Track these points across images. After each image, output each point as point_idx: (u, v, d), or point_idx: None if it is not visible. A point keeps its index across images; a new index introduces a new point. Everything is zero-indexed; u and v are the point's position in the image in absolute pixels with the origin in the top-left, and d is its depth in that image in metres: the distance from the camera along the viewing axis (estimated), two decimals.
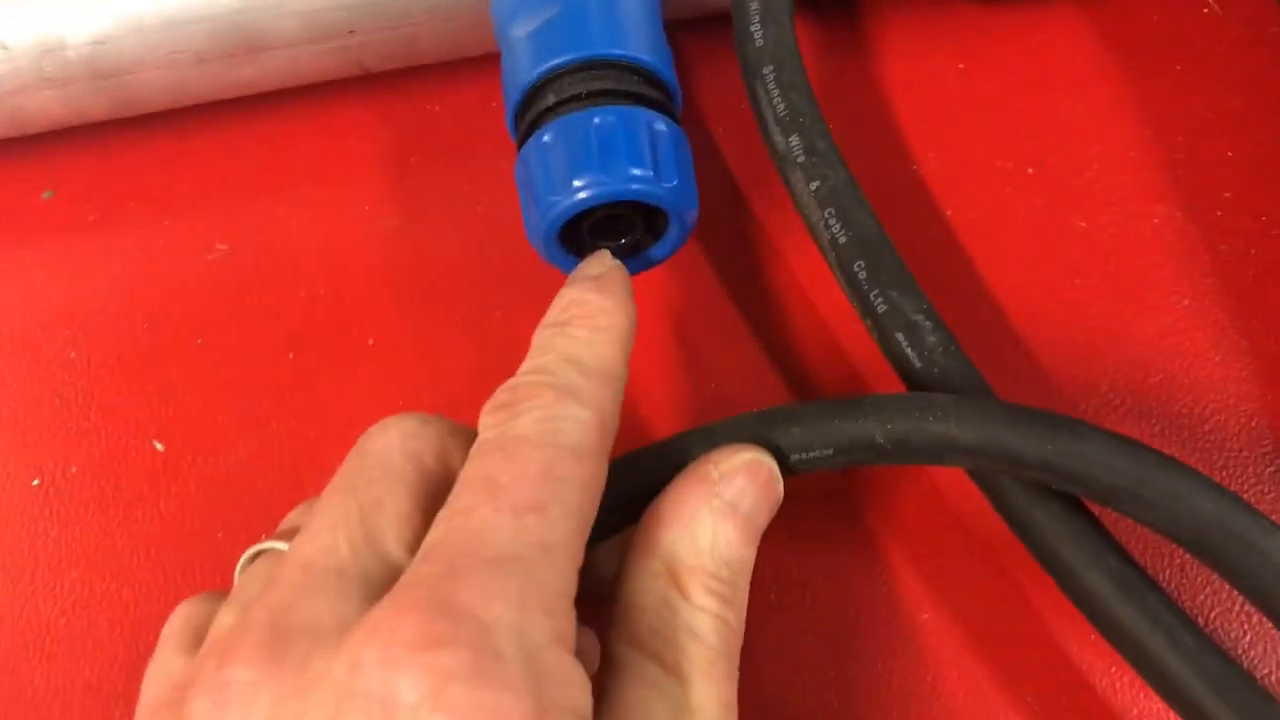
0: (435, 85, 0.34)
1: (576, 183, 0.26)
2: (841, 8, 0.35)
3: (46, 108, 0.32)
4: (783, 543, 0.28)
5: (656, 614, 0.21)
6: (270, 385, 0.31)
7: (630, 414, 0.29)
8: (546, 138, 0.26)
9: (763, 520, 0.24)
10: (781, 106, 0.30)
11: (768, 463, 0.24)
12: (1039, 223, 0.32)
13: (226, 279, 0.33)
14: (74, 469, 0.31)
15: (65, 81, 0.31)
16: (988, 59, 0.34)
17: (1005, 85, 0.34)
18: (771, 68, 0.30)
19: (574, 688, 0.18)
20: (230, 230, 0.33)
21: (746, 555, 0.23)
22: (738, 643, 0.22)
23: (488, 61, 0.33)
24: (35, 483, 0.31)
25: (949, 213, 0.32)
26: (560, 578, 0.19)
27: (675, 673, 0.21)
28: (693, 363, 0.31)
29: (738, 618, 0.22)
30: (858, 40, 0.35)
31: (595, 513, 0.21)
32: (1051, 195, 0.32)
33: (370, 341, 0.32)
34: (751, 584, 0.23)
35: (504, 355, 0.31)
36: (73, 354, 0.32)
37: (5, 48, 0.30)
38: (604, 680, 0.21)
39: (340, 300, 0.32)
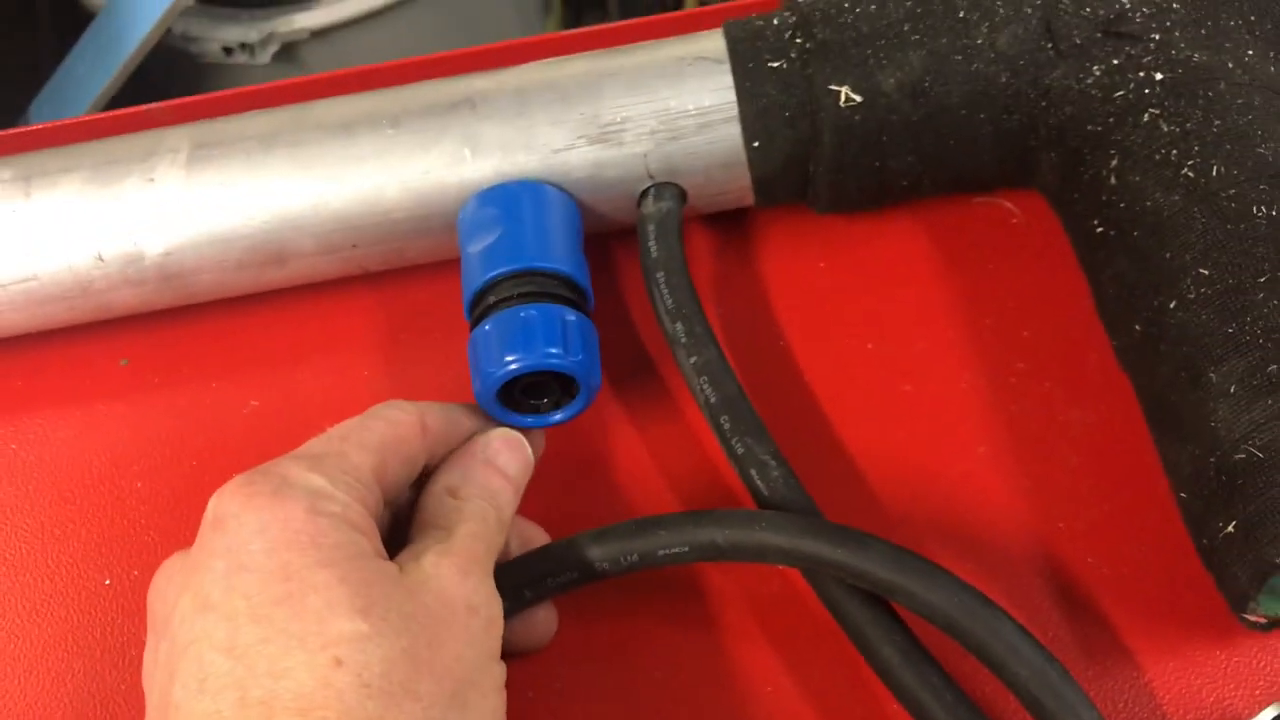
0: (420, 279, 0.45)
1: (508, 358, 0.36)
2: (733, 218, 0.46)
3: (126, 300, 0.43)
4: (657, 625, 0.37)
5: (437, 509, 0.34)
6: None
7: (549, 520, 0.39)
8: (487, 327, 0.37)
9: (514, 472, 0.36)
10: (670, 301, 0.40)
11: (518, 435, 0.37)
12: (875, 385, 0.42)
13: (258, 428, 0.43)
14: (136, 573, 0.41)
15: (141, 282, 0.42)
16: (843, 258, 0.44)
17: (856, 279, 0.44)
18: (662, 274, 0.40)
19: (335, 503, 0.31)
20: (260, 390, 0.44)
21: (503, 488, 0.35)
22: (499, 535, 0.34)
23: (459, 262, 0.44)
24: (107, 582, 0.41)
25: (807, 376, 0.42)
26: (347, 468, 0.32)
27: (447, 530, 0.33)
28: (604, 482, 0.41)
29: (497, 517, 0.34)
30: (744, 242, 0.45)
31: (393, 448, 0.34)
32: (886, 365, 0.42)
33: None
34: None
35: None
36: (139, 484, 0.43)
37: (101, 259, 0.41)
38: (400, 551, 0.33)
39: None
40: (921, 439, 0.41)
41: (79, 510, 0.42)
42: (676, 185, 0.42)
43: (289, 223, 0.41)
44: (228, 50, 1.06)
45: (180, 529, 0.41)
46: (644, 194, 0.42)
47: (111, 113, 0.52)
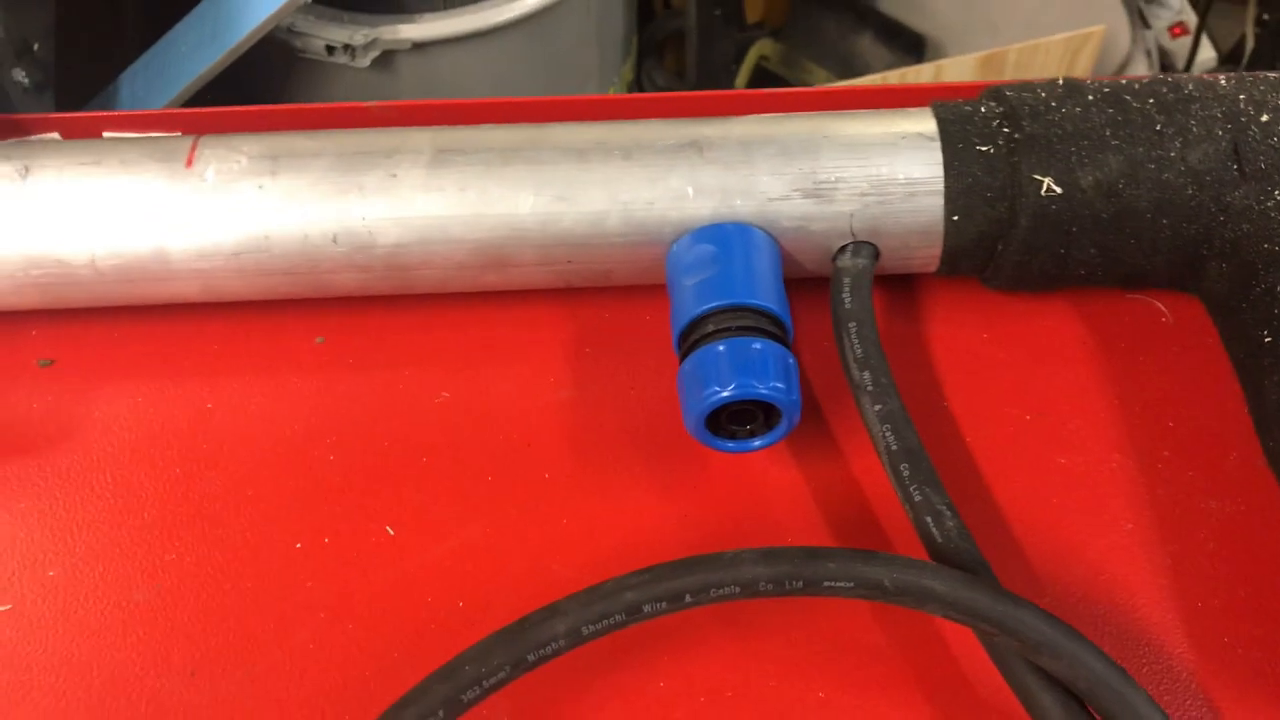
0: (613, 298, 0.48)
1: (747, 381, 0.39)
2: (902, 281, 0.49)
3: (345, 283, 0.45)
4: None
5: None
6: (473, 497, 0.44)
7: (716, 537, 0.41)
8: (721, 348, 0.40)
9: None
10: (859, 350, 0.43)
11: None
12: (1032, 456, 0.45)
13: (448, 418, 0.46)
14: (326, 539, 0.43)
15: (366, 268, 0.44)
16: (1005, 332, 0.48)
17: (1015, 352, 0.47)
18: (854, 324, 0.43)
19: None
20: (453, 383, 0.46)
21: None
22: None
23: (654, 290, 0.47)
24: (298, 545, 0.43)
25: (968, 439, 0.45)
26: None
27: None
28: (768, 510, 0.44)
29: None
30: (911, 305, 0.49)
31: None
32: (1043, 437, 0.45)
33: (546, 476, 0.44)
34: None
35: (642, 496, 0.44)
36: (331, 457, 0.45)
37: (335, 241, 0.44)
38: None
39: (527, 444, 0.45)
40: (1073, 510, 0.44)
41: (272, 474, 0.45)
42: (873, 245, 0.45)
43: (517, 233, 0.44)
44: (330, 49, 1.09)
45: (372, 504, 0.44)
46: (842, 249, 0.45)
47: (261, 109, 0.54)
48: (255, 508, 0.44)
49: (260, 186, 0.43)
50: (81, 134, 0.49)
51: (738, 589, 0.37)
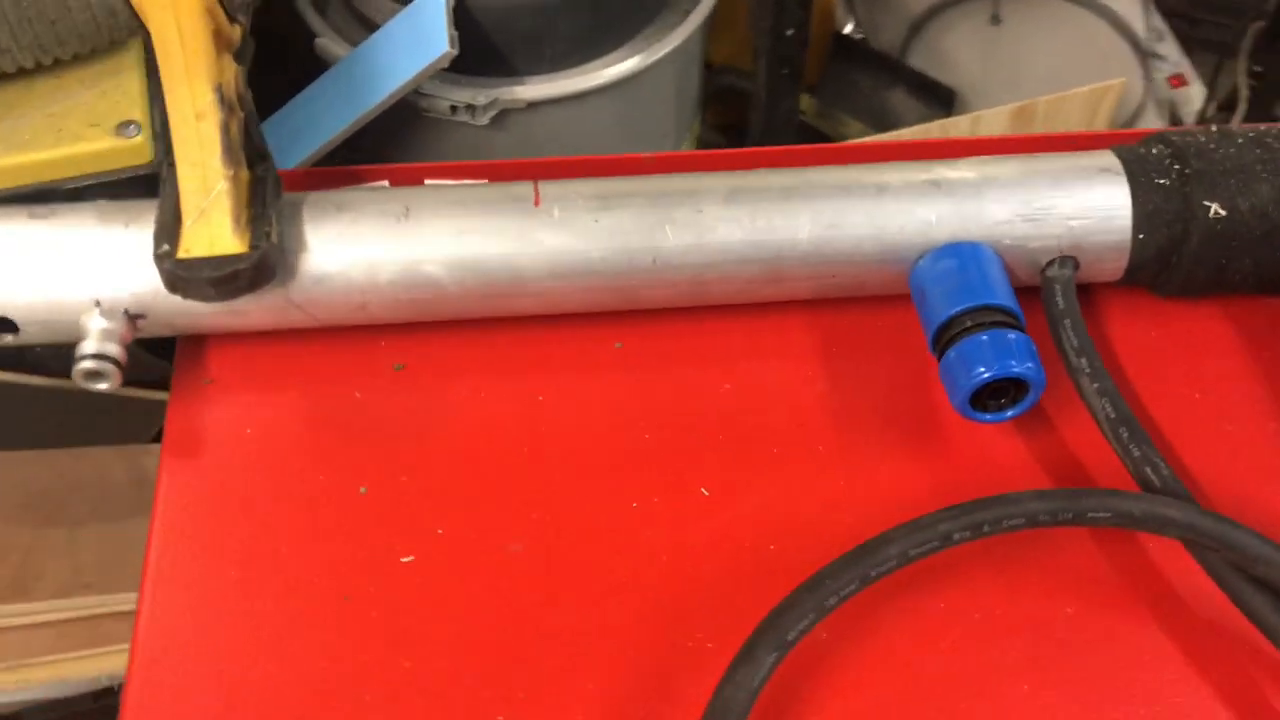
0: (859, 306, 0.59)
1: (1008, 361, 0.50)
2: (1084, 292, 0.60)
3: (654, 296, 0.56)
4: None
5: None
6: (764, 465, 0.55)
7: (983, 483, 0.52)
8: (984, 338, 0.51)
9: None
10: (1075, 341, 0.54)
11: None
12: (1204, 425, 0.56)
13: (731, 404, 0.56)
14: (655, 499, 0.53)
15: (674, 284, 0.55)
16: (1171, 329, 0.59)
17: (1182, 345, 0.59)
18: (1068, 320, 0.55)
19: None
20: (732, 377, 0.57)
21: None
22: None
23: (890, 300, 0.58)
24: (634, 505, 0.53)
25: (1151, 412, 0.57)
26: None
27: None
28: (1014, 480, 0.55)
29: None
30: (1097, 311, 0.60)
31: None
32: (1211, 411, 0.57)
33: (820, 449, 0.55)
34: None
35: (898, 464, 0.55)
36: (646, 436, 0.55)
37: (654, 262, 0.54)
38: None
39: (800, 424, 0.56)
40: (1242, 466, 0.55)
41: (600, 451, 0.55)
42: (1075, 258, 0.56)
43: (796, 254, 0.55)
44: (454, 109, 1.20)
45: (687, 472, 0.54)
46: (1050, 262, 0.56)
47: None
48: (592, 477, 0.54)
49: (596, 220, 0.54)
50: (404, 182, 0.60)
51: (1022, 520, 0.48)
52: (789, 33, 1.32)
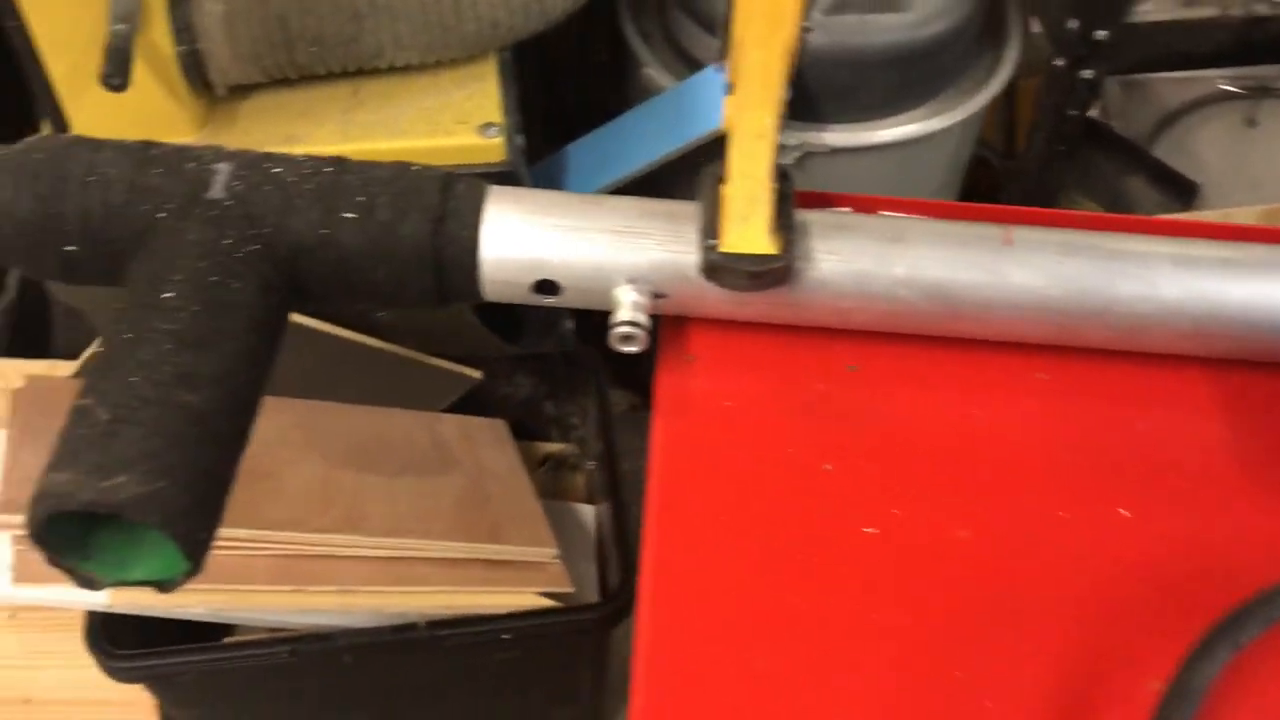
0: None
1: None
2: None
3: (1093, 338, 0.64)
4: None
5: None
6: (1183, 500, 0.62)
7: None
8: None
9: None
10: None
11: None
12: None
13: (1142, 442, 0.64)
14: (1061, 513, 0.61)
15: (1127, 333, 0.64)
16: None
17: None
18: None
19: None
20: (1149, 418, 0.65)
21: None
22: None
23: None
24: (1061, 514, 0.61)
25: None
26: None
27: None
28: None
29: None
30: None
31: None
32: None
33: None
34: None
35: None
36: (1069, 457, 0.64)
37: (1104, 319, 0.63)
38: None
39: (1196, 465, 0.63)
40: None
41: (1021, 464, 0.63)
42: None
43: (1223, 316, 0.63)
44: None
45: (1104, 489, 0.62)
46: None
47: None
48: (1022, 483, 0.63)
49: (1060, 264, 0.63)
50: (861, 209, 0.70)
51: None
52: (1072, 113, 1.40)
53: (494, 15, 1.19)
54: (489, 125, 1.20)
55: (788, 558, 0.59)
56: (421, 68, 1.22)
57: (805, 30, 0.64)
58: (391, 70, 1.21)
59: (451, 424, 1.32)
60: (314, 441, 1.19)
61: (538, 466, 1.43)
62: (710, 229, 0.61)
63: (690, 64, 1.37)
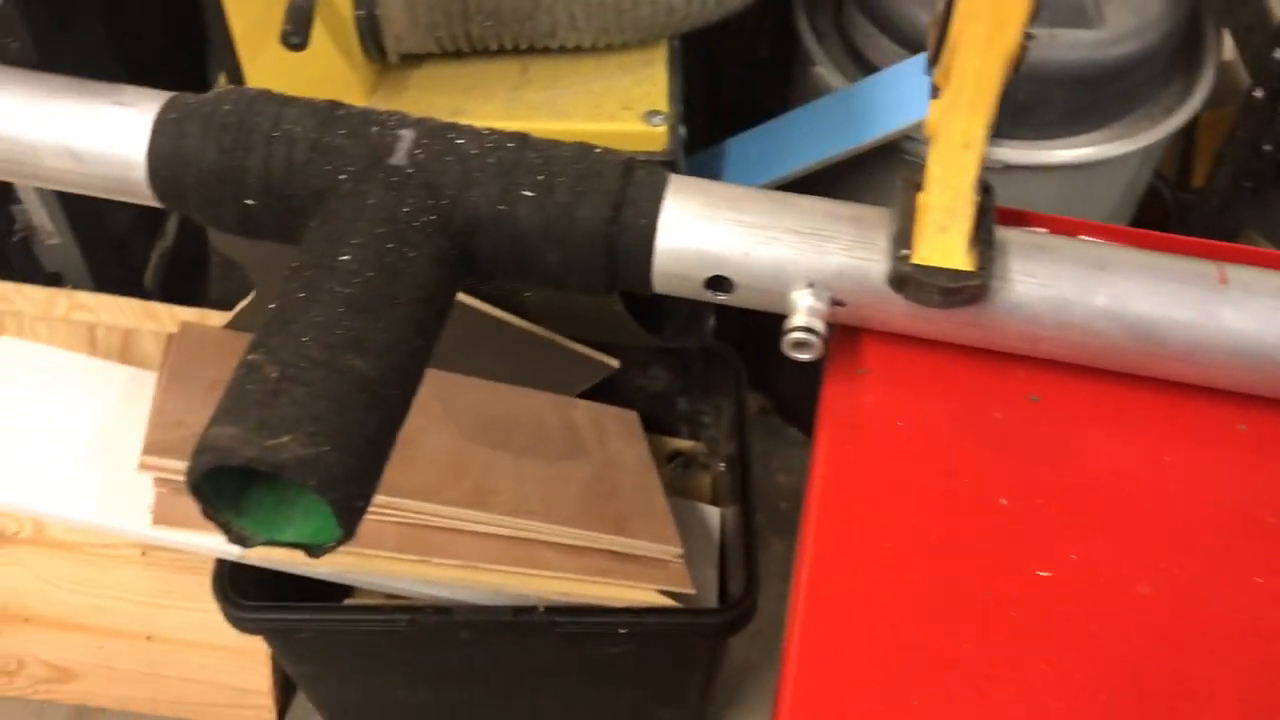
0: None
1: None
2: None
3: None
4: None
5: None
6: None
7: None
8: None
9: None
10: None
11: None
12: None
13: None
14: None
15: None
16: None
17: None
18: None
19: None
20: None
21: None
22: None
23: None
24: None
25: None
26: None
27: None
28: None
29: None
30: None
31: None
32: None
33: None
34: None
35: None
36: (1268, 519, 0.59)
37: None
38: None
39: None
40: None
41: (1212, 522, 0.59)
42: None
43: None
44: None
45: None
46: None
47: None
48: (1210, 543, 0.58)
49: (1278, 309, 0.58)
50: (1059, 231, 0.65)
51: None
52: (1267, 148, 1.32)
53: (671, 1, 1.17)
54: (654, 113, 1.18)
55: (952, 593, 0.56)
56: (591, 50, 1.20)
57: (1028, 38, 0.60)
58: (561, 50, 1.20)
59: (584, 410, 1.30)
60: (450, 413, 1.19)
61: (665, 462, 1.41)
62: (903, 238, 0.58)
63: (862, 65, 1.32)
